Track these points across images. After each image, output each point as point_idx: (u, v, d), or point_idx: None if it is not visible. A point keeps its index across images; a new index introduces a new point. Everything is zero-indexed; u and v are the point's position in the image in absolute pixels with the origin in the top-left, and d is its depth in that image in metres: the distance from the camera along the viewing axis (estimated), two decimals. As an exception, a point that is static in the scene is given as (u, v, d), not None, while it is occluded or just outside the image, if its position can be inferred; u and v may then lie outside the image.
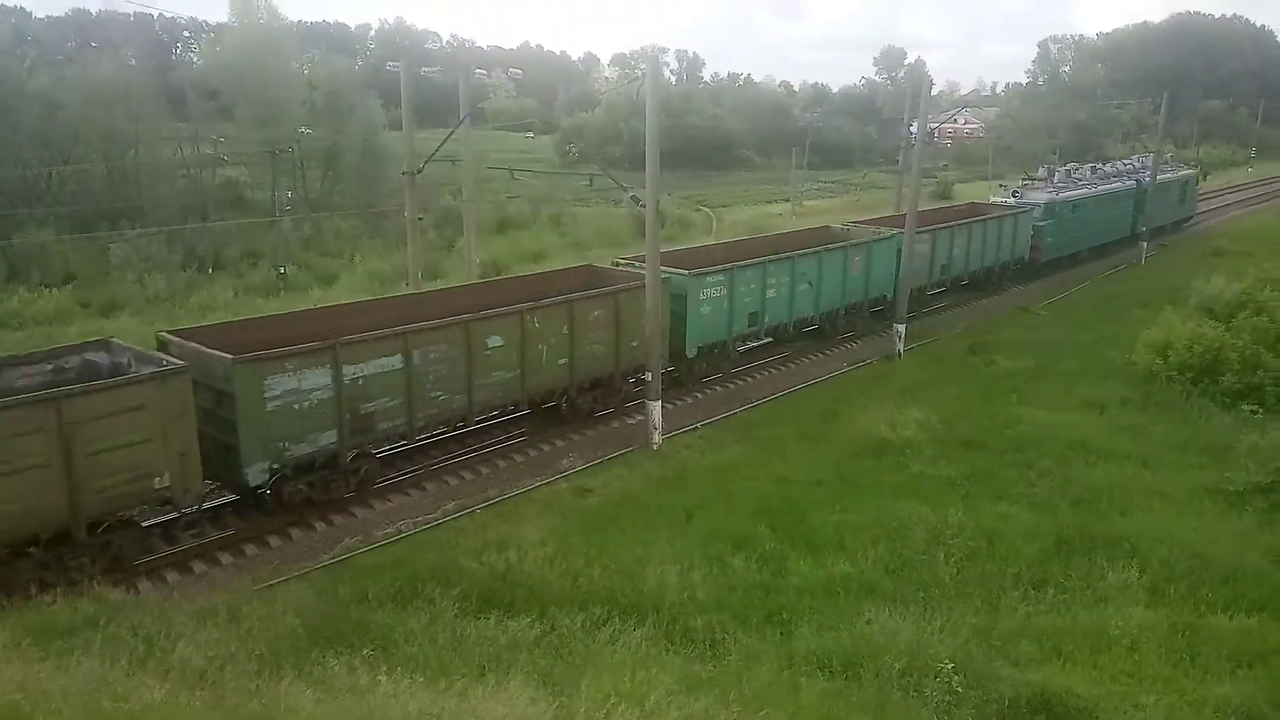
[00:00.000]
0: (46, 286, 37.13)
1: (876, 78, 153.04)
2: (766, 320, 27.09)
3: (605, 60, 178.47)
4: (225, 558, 16.25)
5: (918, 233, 30.33)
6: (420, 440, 19.76)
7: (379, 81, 64.81)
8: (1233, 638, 13.17)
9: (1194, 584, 14.86)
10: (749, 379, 26.77)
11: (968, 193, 72.14)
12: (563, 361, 21.42)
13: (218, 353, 16.01)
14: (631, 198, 23.31)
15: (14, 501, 13.45)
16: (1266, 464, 18.65)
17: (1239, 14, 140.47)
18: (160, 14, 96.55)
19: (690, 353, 24.76)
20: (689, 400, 24.76)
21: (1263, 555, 15.98)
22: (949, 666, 11.40)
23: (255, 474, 16.33)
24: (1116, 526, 17.01)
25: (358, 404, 17.56)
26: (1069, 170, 47.73)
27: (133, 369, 15.79)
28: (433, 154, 26.51)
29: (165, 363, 15.58)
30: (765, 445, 21.65)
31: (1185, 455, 21.13)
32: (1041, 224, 40.58)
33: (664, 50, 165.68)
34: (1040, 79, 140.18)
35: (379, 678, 9.74)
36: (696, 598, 14.24)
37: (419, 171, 25.97)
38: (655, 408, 21.51)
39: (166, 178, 50.72)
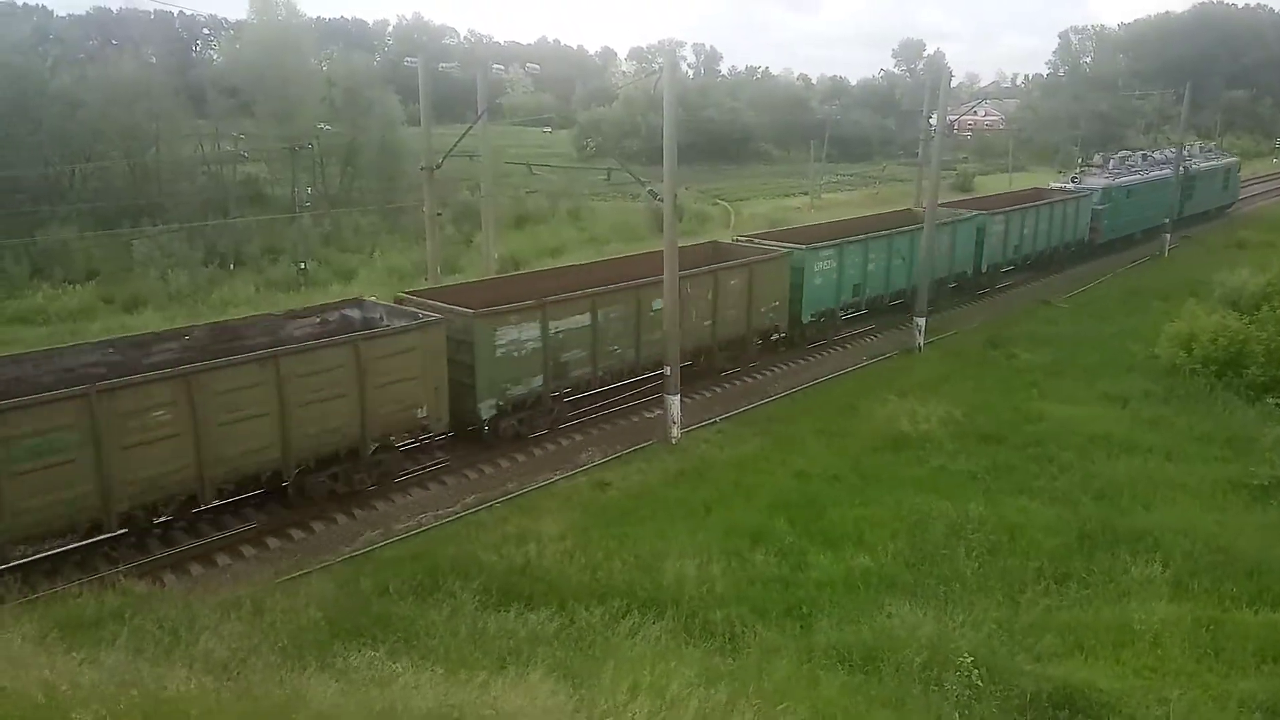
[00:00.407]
0: (70, 283, 37.49)
1: (895, 70, 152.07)
2: (867, 291, 30.15)
3: (622, 55, 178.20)
4: (248, 550, 16.39)
5: (993, 214, 35.19)
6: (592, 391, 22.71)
7: (397, 77, 64.89)
8: (1258, 632, 13.02)
9: (1218, 578, 14.72)
10: (767, 373, 26.71)
11: (989, 185, 71.80)
12: (707, 324, 24.61)
13: (461, 308, 19.38)
14: (649, 192, 23.31)
15: (330, 421, 17.19)
16: (1292, 457, 18.48)
17: (1263, 3, 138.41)
18: (180, 12, 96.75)
19: (805, 319, 27.73)
20: (707, 394, 24.74)
21: (1288, 549, 15.81)
22: (970, 661, 11.33)
23: (486, 409, 19.77)
24: (1139, 520, 16.89)
25: (558, 353, 20.97)
26: (1123, 158, 50.45)
27: (385, 322, 19.34)
28: (451, 149, 26.60)
29: (420, 315, 18.86)
30: (784, 440, 21.61)
31: (1209, 448, 20.95)
32: (1100, 208, 43.35)
33: (681, 44, 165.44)
34: (1061, 70, 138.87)
35: (400, 669, 9.80)
36: (716, 591, 14.25)
37: (437, 167, 26.07)
38: (674, 402, 21.51)
39: (187, 174, 51.12)
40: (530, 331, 20.15)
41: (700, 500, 18.06)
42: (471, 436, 20.49)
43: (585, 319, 21.28)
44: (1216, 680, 12.01)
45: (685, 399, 22.45)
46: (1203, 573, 14.89)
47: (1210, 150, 58.60)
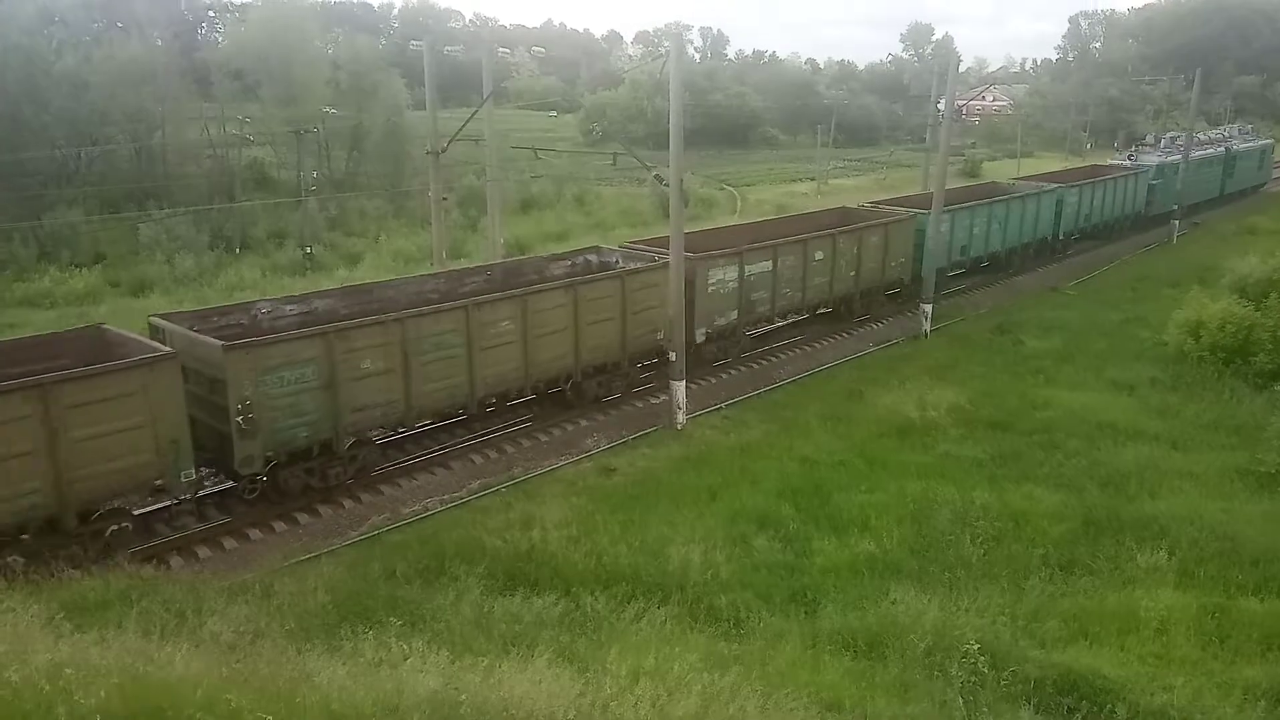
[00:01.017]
0: (77, 266, 37.59)
1: (903, 55, 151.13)
2: (970, 252, 33.98)
3: (629, 38, 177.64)
4: (255, 534, 16.45)
5: (1069, 186, 39.67)
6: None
7: (402, 61, 64.85)
8: (1263, 620, 13.00)
9: (1224, 566, 14.71)
10: (773, 358, 26.68)
11: (995, 170, 71.48)
12: (852, 274, 28.94)
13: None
14: (655, 177, 23.26)
15: (604, 338, 21.86)
16: (1299, 445, 18.41)
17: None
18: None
19: (924, 273, 30.11)
20: (712, 380, 24.72)
21: (1294, 538, 15.78)
22: (975, 647, 11.34)
23: (699, 336, 23.80)
24: (1146, 508, 16.87)
25: (748, 293, 25.07)
26: (1172, 138, 53.95)
27: (619, 265, 23.42)
28: (456, 133, 26.51)
29: (655, 258, 22.79)
30: (789, 425, 21.61)
31: (1216, 436, 20.92)
32: (1154, 183, 47.21)
33: (688, 28, 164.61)
34: (1070, 55, 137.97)
35: (406, 651, 9.84)
36: (720, 577, 14.27)
37: (443, 151, 25.99)
38: (679, 387, 21.50)
39: (193, 158, 51.16)
40: (731, 273, 24.44)
41: (706, 486, 18.07)
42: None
43: (768, 265, 25.59)
44: (1221, 668, 12.02)
45: (690, 385, 22.45)
46: (1208, 560, 14.87)
47: (1248, 133, 62.83)
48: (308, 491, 17.46)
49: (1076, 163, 61.11)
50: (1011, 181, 42.24)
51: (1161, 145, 52.21)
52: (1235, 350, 24.53)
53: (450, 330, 18.71)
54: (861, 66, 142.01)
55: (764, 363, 26.33)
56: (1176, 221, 46.70)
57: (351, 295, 20.37)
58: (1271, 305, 25.27)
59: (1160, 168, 47.81)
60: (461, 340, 18.88)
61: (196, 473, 15.69)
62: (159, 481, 15.08)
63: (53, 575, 13.21)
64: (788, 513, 16.73)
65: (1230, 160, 55.29)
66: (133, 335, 16.36)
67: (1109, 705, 10.87)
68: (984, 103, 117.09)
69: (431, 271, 25.43)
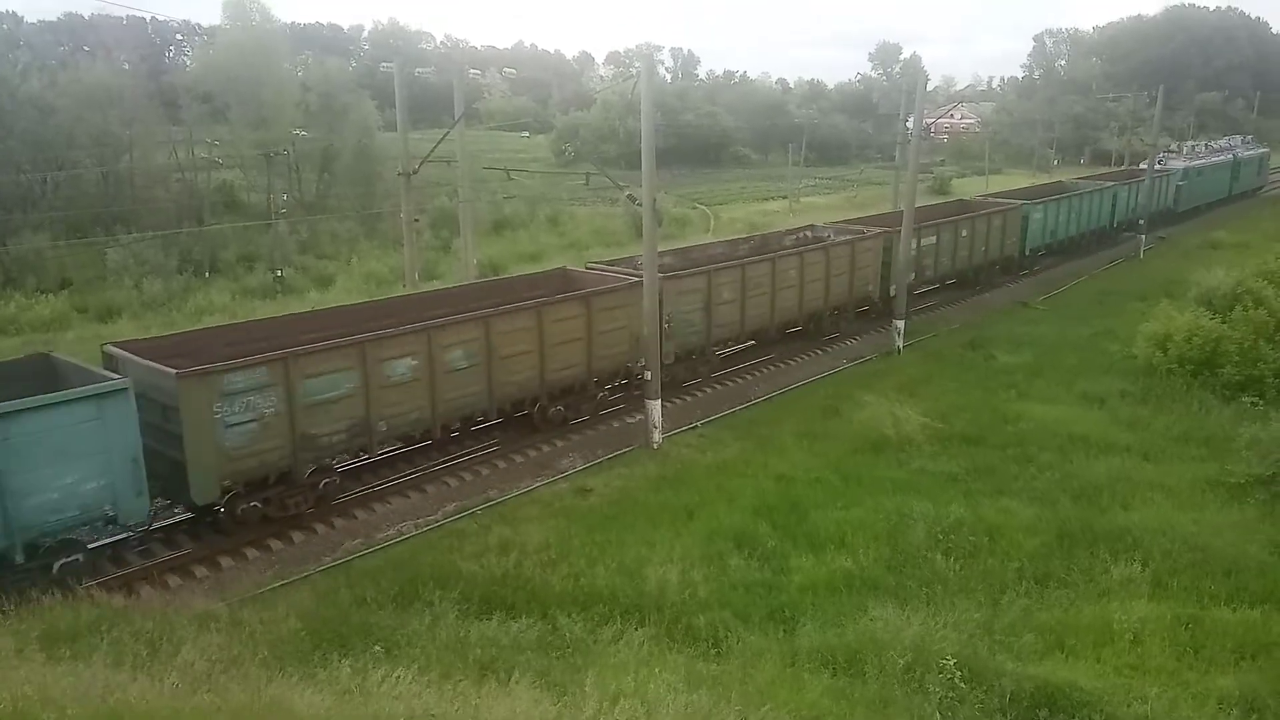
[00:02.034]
0: (42, 292, 37.03)
1: (872, 74, 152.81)
2: (1056, 235, 42.44)
3: (600, 59, 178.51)
4: (226, 562, 16.21)
5: (1122, 184, 49.41)
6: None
7: (373, 83, 64.68)
8: (1236, 630, 13.12)
9: (1197, 577, 14.83)
10: (747, 377, 26.73)
11: (966, 188, 72.33)
12: (982, 249, 36.87)
13: (876, 229, 31.58)
14: (628, 196, 23.29)
15: (811, 298, 28.43)
16: (1267, 456, 18.62)
17: (1234, 6, 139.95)
18: (153, 17, 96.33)
19: (1026, 252, 39.67)
20: (688, 399, 24.73)
21: (1264, 547, 15.95)
22: (952, 662, 11.36)
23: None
24: (1118, 520, 17.00)
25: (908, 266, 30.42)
26: (1193, 146, 65.52)
27: (833, 239, 30.61)
28: (428, 155, 26.47)
29: (865, 232, 30.93)
30: (765, 443, 21.63)
31: (1186, 448, 21.14)
32: (1181, 183, 56.34)
33: (659, 48, 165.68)
34: (1036, 73, 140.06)
35: (382, 678, 9.72)
36: (698, 596, 14.21)
37: (414, 172, 25.96)
38: (655, 406, 21.48)
39: (161, 181, 50.68)
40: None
41: (682, 505, 18.01)
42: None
43: (932, 239, 33.57)
44: (1196, 678, 12.09)
45: (666, 403, 22.42)
46: (1181, 571, 14.99)
47: (1249, 143, 73.25)
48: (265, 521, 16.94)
49: (1067, 174, 67.79)
50: (1075, 180, 53.55)
51: (1184, 153, 62.34)
52: (1203, 362, 24.85)
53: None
54: (831, 86, 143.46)
55: (739, 381, 26.37)
56: (1143, 236, 47.45)
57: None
58: (1237, 318, 25.65)
59: (1185, 171, 56.97)
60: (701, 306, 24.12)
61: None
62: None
63: (22, 606, 12.95)
64: (765, 531, 16.71)
65: (1236, 166, 65.17)
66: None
67: (1086, 717, 10.91)
68: (952, 120, 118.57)
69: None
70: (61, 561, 14.24)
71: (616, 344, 22.37)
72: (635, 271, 22.84)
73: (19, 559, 13.61)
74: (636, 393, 22.97)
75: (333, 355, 17.05)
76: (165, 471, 15.44)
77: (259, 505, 16.77)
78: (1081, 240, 45.05)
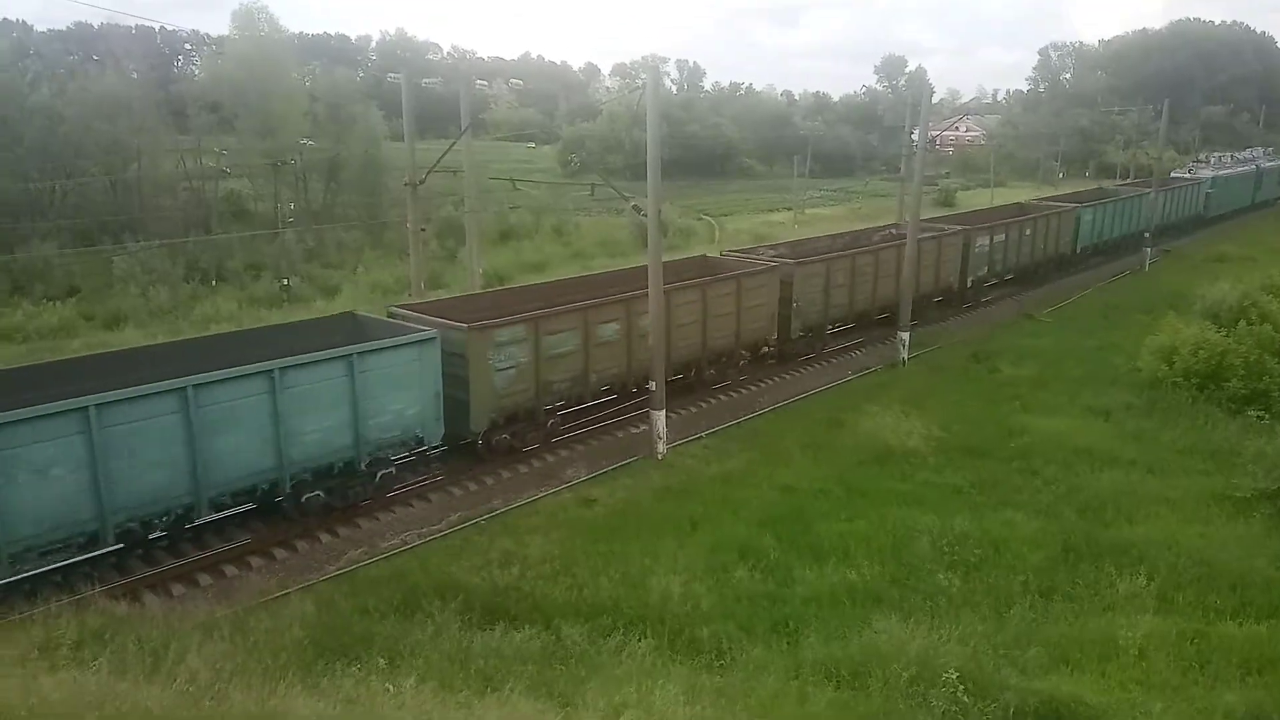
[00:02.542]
0: (50, 300, 37.19)
1: (877, 86, 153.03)
2: (1103, 235, 46.65)
3: (606, 70, 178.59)
4: (230, 570, 16.21)
5: (1159, 191, 51.45)
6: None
7: (380, 93, 65.09)
8: (1242, 645, 13.08)
9: (1202, 591, 14.80)
10: (753, 387, 26.73)
11: (971, 200, 72.39)
12: (1043, 247, 40.92)
13: (956, 227, 36.62)
14: (633, 207, 23.36)
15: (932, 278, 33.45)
16: (1273, 470, 18.60)
17: (1239, 20, 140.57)
18: (162, 27, 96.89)
19: (1077, 250, 44.09)
20: (692, 410, 24.72)
21: (1270, 562, 15.91)
22: (956, 676, 11.32)
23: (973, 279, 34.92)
24: (1123, 533, 16.97)
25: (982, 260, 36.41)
26: (1219, 158, 71.72)
27: (931, 236, 33.72)
28: (434, 165, 26.54)
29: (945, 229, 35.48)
30: (770, 454, 21.62)
31: (1191, 461, 21.10)
32: (1210, 191, 61.23)
33: (665, 60, 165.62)
34: (1041, 86, 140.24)
35: (386, 688, 9.72)
36: (702, 608, 14.20)
37: (421, 182, 26.02)
38: (659, 417, 21.48)
39: (169, 190, 50.84)
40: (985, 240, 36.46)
41: (686, 516, 18.00)
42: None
43: (988, 241, 36.94)
44: (1201, 693, 12.04)
45: (671, 414, 22.42)
46: (1187, 586, 14.96)
47: (1270, 154, 78.71)
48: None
49: (1073, 188, 69.59)
50: (1116, 185, 60.63)
51: (1212, 163, 68.49)
52: (1208, 376, 24.81)
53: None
54: (836, 98, 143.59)
55: (744, 391, 26.37)
56: (1148, 250, 47.44)
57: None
58: (1243, 331, 25.61)
59: (1214, 180, 62.24)
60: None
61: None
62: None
63: (23, 614, 12.98)
64: (769, 542, 16.69)
65: (1259, 176, 70.83)
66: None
67: (1091, 732, 10.87)
68: (957, 133, 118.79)
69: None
70: (382, 471, 18.36)
71: (759, 319, 26.50)
72: (771, 259, 28.05)
73: (361, 467, 17.77)
74: (771, 361, 28.08)
75: (566, 317, 21.30)
76: (448, 407, 18.86)
77: (508, 437, 20.74)
78: (1124, 241, 49.04)
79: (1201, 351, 24.97)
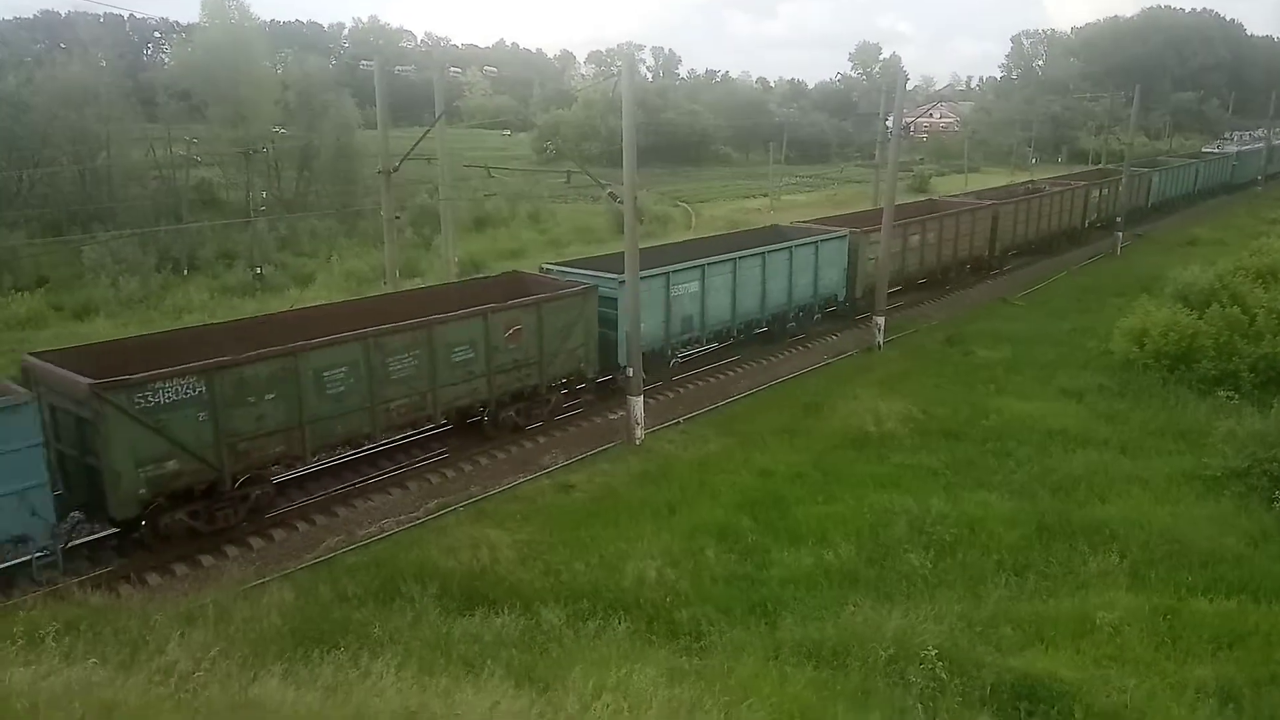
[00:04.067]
0: (18, 290, 36.66)
1: (852, 74, 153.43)
2: (1169, 193, 58.46)
3: (581, 58, 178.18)
4: (206, 560, 16.11)
5: (1197, 159, 68.13)
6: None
7: (353, 80, 64.38)
8: (1213, 620, 13.28)
9: (1174, 568, 15.00)
10: (729, 373, 26.79)
11: (944, 186, 72.76)
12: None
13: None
14: (609, 194, 23.29)
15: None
16: (1243, 449, 18.85)
17: (1209, 8, 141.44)
18: (130, 14, 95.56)
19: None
20: (670, 395, 24.75)
21: (1240, 539, 16.14)
22: (933, 653, 11.44)
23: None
24: (1096, 512, 17.15)
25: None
26: (1238, 136, 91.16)
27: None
28: (408, 152, 26.32)
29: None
30: (747, 439, 21.68)
31: (1163, 441, 21.33)
32: (1234, 164, 73.47)
33: (640, 47, 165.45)
34: (1014, 73, 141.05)
35: (362, 675, 9.68)
36: (680, 591, 14.24)
37: (395, 170, 25.81)
38: (637, 403, 21.50)
39: (138, 179, 50.29)
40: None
41: (664, 500, 18.05)
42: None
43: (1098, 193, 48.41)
44: (1174, 668, 12.21)
45: (648, 400, 22.44)
46: (1159, 563, 15.16)
47: (1278, 134, 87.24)
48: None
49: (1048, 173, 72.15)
50: (1165, 158, 70.55)
51: (1236, 140, 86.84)
52: (1179, 357, 25.08)
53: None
54: (811, 85, 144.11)
55: (721, 377, 26.42)
56: (1120, 234, 47.88)
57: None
58: (1213, 314, 25.90)
59: (1239, 154, 76.20)
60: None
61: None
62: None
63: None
64: (746, 525, 16.77)
65: (1271, 153, 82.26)
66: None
67: (1065, 707, 11.00)
68: (931, 120, 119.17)
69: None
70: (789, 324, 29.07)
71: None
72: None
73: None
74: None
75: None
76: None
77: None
78: (1181, 198, 60.95)
79: (1172, 334, 25.22)
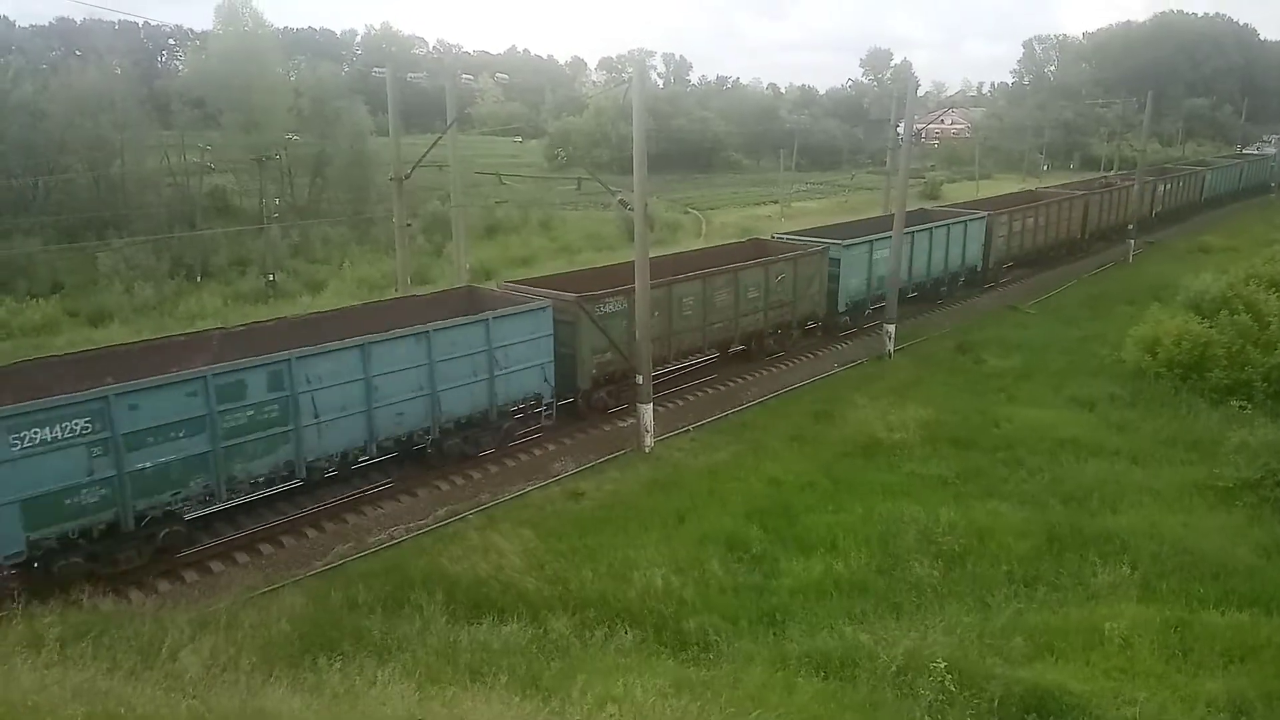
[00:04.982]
0: (34, 296, 36.92)
1: (863, 79, 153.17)
2: (1219, 189, 66.23)
3: (592, 64, 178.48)
4: (217, 566, 16.18)
5: (1243, 160, 77.17)
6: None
7: (365, 87, 64.72)
8: (1224, 633, 13.17)
9: (1185, 580, 14.90)
10: (740, 380, 26.77)
11: (957, 192, 72.59)
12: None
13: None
14: (620, 201, 23.33)
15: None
16: (1255, 460, 18.74)
17: (1221, 13, 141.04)
18: (145, 22, 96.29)
19: (1207, 198, 60.49)
20: (679, 403, 24.75)
21: (1252, 550, 16.04)
22: (942, 665, 11.39)
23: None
24: (1107, 523, 17.06)
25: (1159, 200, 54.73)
26: (1275, 139, 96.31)
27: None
28: (420, 159, 26.40)
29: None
30: (757, 446, 21.67)
31: (1174, 451, 21.22)
32: (1274, 165, 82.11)
33: (651, 54, 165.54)
34: (1026, 78, 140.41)
35: (371, 682, 9.72)
36: (688, 600, 14.23)
37: (407, 177, 25.88)
38: (647, 410, 21.51)
39: (153, 186, 50.54)
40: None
41: (674, 508, 18.05)
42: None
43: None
44: (1184, 680, 12.13)
45: (658, 407, 22.45)
46: (1170, 574, 15.06)
47: None
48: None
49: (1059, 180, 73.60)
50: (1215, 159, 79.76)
51: (1274, 143, 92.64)
52: (1191, 366, 24.95)
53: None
54: (822, 91, 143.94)
55: (732, 384, 26.41)
56: (1132, 241, 47.68)
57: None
58: (1224, 322, 25.77)
59: (1277, 155, 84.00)
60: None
61: None
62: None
63: (5, 612, 12.91)
64: (755, 534, 16.75)
65: None
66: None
67: (1075, 720, 10.94)
68: (942, 125, 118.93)
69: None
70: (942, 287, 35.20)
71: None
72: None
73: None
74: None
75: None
76: None
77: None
78: (1226, 197, 67.56)
79: (1184, 342, 25.10)
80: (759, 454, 21.20)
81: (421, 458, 20.02)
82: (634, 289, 21.44)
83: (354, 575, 15.49)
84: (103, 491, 14.55)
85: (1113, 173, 68.36)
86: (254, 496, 17.76)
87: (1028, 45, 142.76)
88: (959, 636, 12.89)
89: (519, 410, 20.92)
